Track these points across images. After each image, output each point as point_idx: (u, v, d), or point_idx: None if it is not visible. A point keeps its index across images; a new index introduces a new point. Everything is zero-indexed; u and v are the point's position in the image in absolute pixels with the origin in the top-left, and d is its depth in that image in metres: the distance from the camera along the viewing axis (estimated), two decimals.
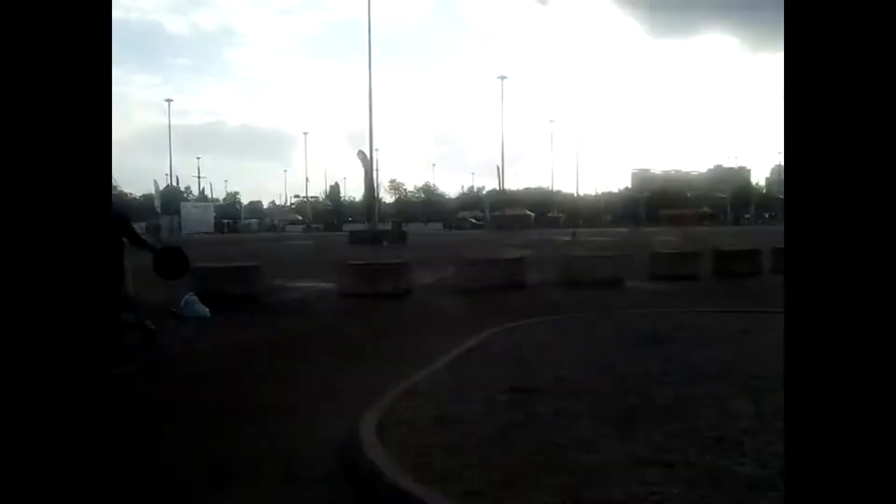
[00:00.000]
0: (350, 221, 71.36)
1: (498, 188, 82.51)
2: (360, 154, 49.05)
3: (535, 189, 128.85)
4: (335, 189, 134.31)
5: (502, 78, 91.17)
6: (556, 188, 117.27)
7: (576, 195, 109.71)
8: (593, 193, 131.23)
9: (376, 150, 58.89)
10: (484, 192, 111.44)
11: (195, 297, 12.14)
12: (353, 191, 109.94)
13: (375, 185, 61.29)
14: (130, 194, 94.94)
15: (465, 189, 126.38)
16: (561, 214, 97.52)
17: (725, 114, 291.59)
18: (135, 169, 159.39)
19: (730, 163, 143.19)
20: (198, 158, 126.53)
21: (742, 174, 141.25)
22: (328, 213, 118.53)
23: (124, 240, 8.01)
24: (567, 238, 43.68)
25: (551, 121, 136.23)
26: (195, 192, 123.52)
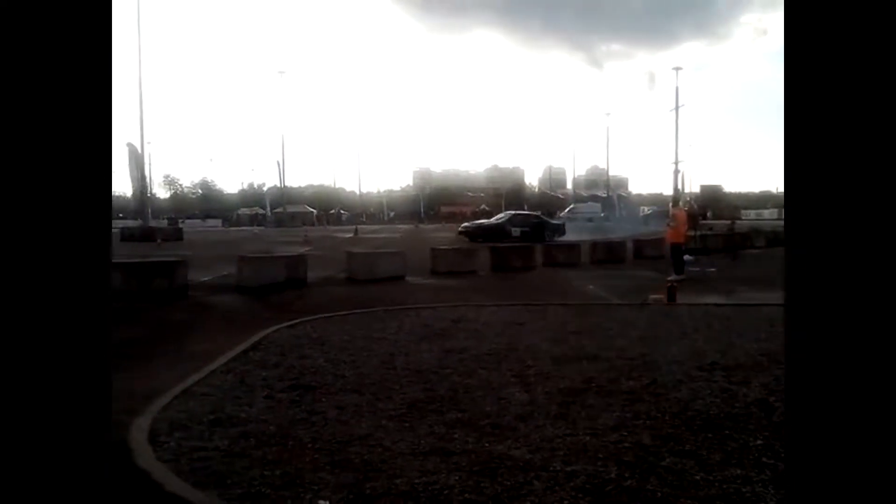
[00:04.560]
0: (121, 218, 66.56)
1: (279, 185, 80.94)
2: (130, 147, 45.69)
3: (318, 186, 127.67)
4: None
5: (281, 73, 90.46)
6: (338, 185, 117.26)
7: (358, 192, 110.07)
8: (375, 191, 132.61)
9: (148, 143, 55.84)
10: (265, 189, 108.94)
11: None
12: (122, 186, 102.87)
13: (147, 178, 57.65)
14: None
15: (246, 185, 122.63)
16: (344, 211, 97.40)
17: (501, 114, 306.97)
18: None
19: (505, 163, 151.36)
20: None
21: (516, 174, 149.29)
22: None
23: None
24: (349, 235, 43.73)
25: (331, 118, 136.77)
26: None
